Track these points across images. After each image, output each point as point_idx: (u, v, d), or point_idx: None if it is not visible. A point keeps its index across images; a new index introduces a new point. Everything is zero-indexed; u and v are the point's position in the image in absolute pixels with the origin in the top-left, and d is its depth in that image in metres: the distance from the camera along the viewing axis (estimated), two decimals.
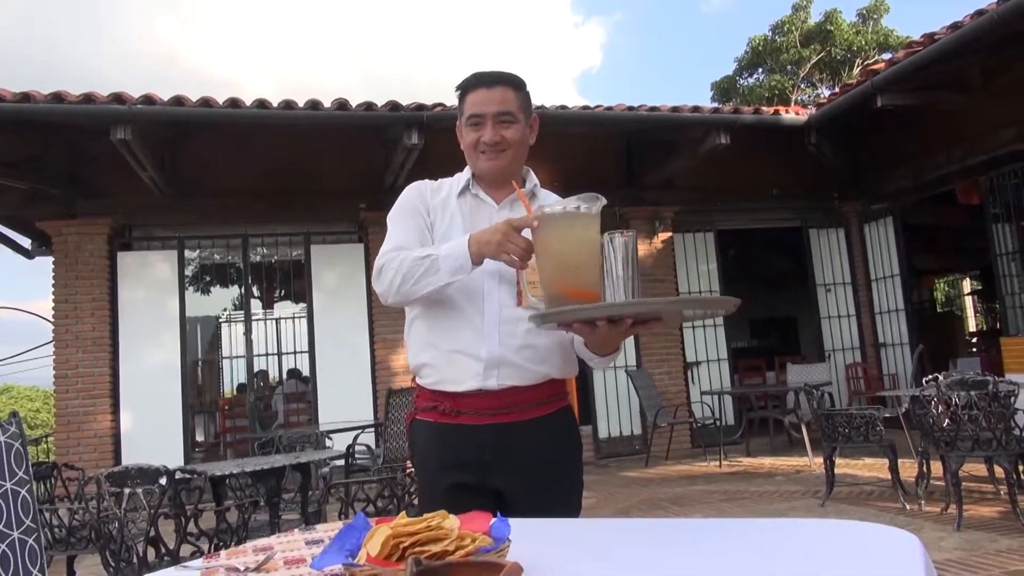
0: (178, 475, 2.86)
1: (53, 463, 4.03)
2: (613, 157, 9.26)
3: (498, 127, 1.73)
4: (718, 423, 8.09)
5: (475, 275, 1.65)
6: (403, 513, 1.09)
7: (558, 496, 1.75)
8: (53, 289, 7.54)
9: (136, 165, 6.90)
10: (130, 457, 7.53)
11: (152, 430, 7.68)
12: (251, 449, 5.02)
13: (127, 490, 2.83)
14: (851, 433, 5.21)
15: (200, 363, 13.23)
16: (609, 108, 7.91)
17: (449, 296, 1.69)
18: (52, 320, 7.55)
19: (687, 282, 9.37)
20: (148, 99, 6.42)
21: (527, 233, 1.50)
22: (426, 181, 1.87)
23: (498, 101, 1.74)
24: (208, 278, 13.85)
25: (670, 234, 9.19)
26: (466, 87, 1.79)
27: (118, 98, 6.34)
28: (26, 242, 9.26)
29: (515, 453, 1.70)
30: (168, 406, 7.76)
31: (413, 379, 1.85)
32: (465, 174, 1.84)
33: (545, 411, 1.75)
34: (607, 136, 8.92)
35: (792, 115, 8.47)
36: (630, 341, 8.94)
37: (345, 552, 1.01)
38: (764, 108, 8.74)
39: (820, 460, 5.56)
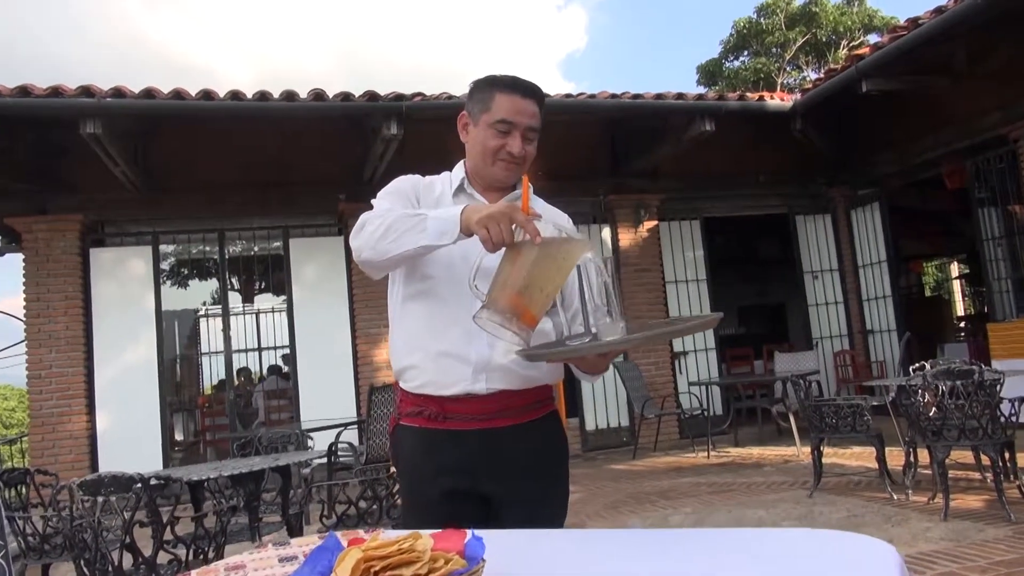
0: (153, 481, 2.82)
1: (26, 469, 4.00)
2: (597, 145, 9.24)
3: (524, 141, 1.72)
4: (706, 414, 8.14)
5: (465, 275, 1.59)
6: (377, 533, 1.09)
7: (546, 502, 1.77)
8: (24, 287, 7.46)
9: (107, 160, 6.82)
10: (107, 458, 7.50)
11: (129, 430, 7.63)
12: (231, 449, 5.00)
13: (100, 498, 2.80)
14: (838, 423, 5.25)
15: (179, 360, 13.14)
16: (592, 95, 7.90)
17: (438, 295, 1.68)
18: (24, 319, 7.47)
19: (673, 270, 9.41)
20: (118, 92, 6.34)
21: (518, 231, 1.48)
22: (418, 176, 1.84)
23: (531, 115, 1.73)
24: (185, 272, 13.75)
25: (655, 222, 9.20)
26: (499, 87, 1.74)
27: (87, 91, 6.26)
28: None
29: (504, 459, 1.70)
30: (145, 405, 7.72)
31: (396, 383, 1.83)
32: (458, 173, 1.82)
33: (533, 416, 1.75)
34: (590, 124, 8.89)
35: (777, 101, 8.49)
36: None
37: (316, 575, 1.01)
38: (749, 94, 8.76)
39: (808, 450, 5.61)
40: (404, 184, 1.83)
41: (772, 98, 8.57)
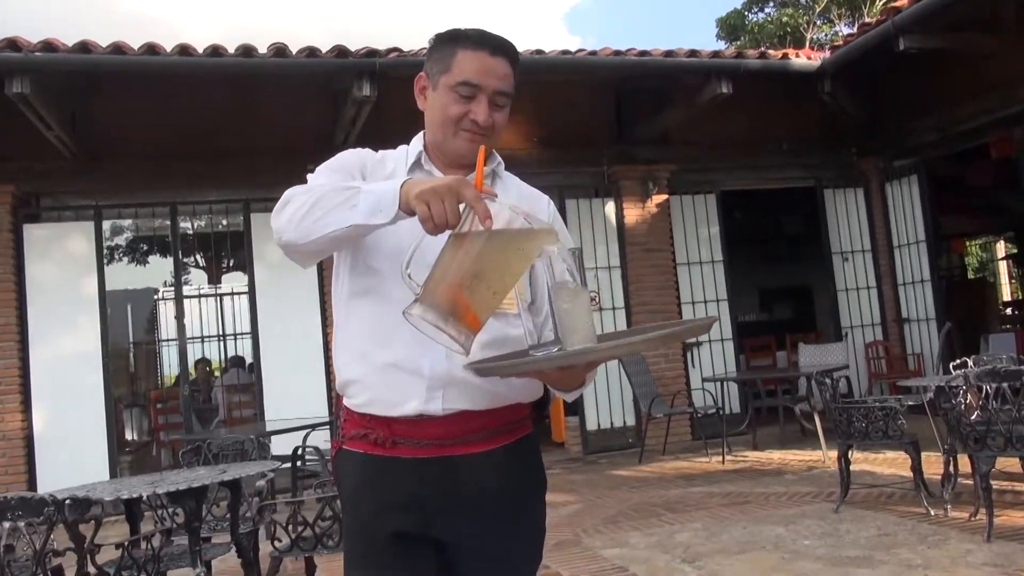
0: (69, 503, 2.68)
1: None
2: (600, 109, 9.10)
3: (492, 108, 1.61)
4: (721, 413, 8.03)
5: (422, 271, 1.45)
6: None
7: (515, 545, 1.66)
8: None
9: (39, 123, 6.64)
10: (46, 462, 7.39)
11: (71, 430, 7.48)
12: (179, 455, 4.86)
13: (7, 524, 2.65)
14: (869, 429, 5.12)
15: (132, 348, 13.01)
16: (593, 53, 7.73)
17: (384, 294, 1.54)
18: None
19: (685, 250, 9.28)
20: (48, 45, 6.14)
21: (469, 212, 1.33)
22: (367, 150, 1.73)
23: (501, 76, 1.61)
24: (145, 248, 13.56)
25: (665, 196, 9.08)
26: (462, 42, 1.62)
27: (12, 44, 6.06)
28: None
29: (464, 495, 1.58)
30: (89, 401, 7.56)
31: (339, 399, 1.71)
32: (416, 146, 1.71)
33: (502, 441, 1.63)
34: (592, 85, 8.75)
35: (803, 59, 8.30)
36: (620, 317, 8.88)
37: None
38: (771, 52, 8.56)
39: (835, 454, 5.49)
40: (349, 158, 1.70)
41: (797, 56, 8.39)
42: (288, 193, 1.52)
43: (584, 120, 8.94)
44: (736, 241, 10.12)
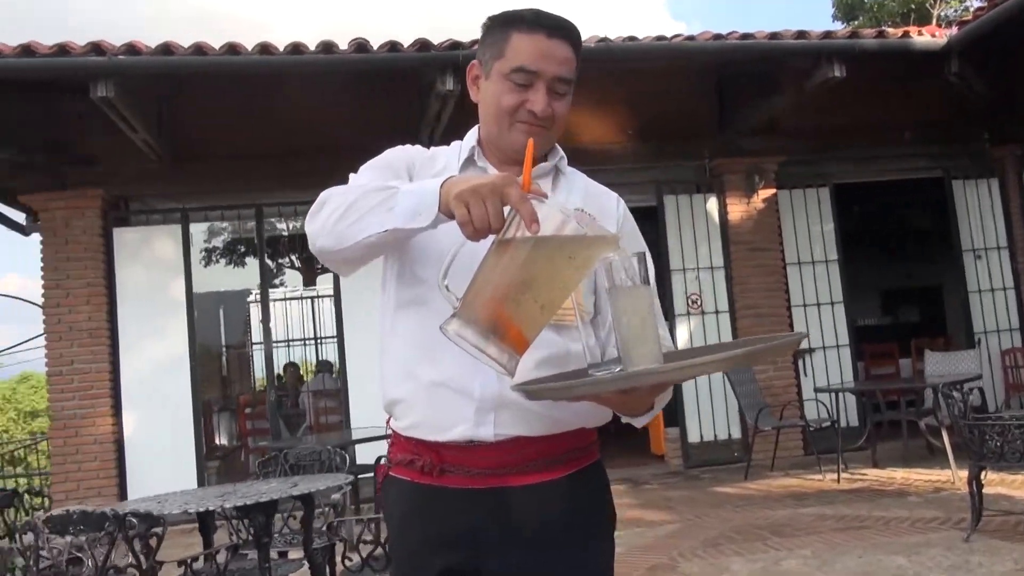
0: (131, 519, 2.69)
1: (13, 490, 3.99)
2: (700, 98, 8.86)
3: (551, 96, 1.52)
4: (836, 426, 7.70)
5: (463, 282, 1.37)
6: None
7: None
8: (42, 273, 7.64)
9: (125, 127, 6.86)
10: (136, 466, 7.66)
11: (160, 433, 7.74)
12: (254, 465, 4.90)
13: (69, 538, 2.68)
14: (1004, 447, 4.75)
15: (225, 352, 13.39)
16: (691, 37, 7.51)
17: (433, 306, 1.44)
18: (43, 309, 7.64)
19: (796, 249, 8.96)
20: (131, 48, 6.33)
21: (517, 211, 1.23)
22: (417, 147, 1.67)
23: (561, 60, 1.52)
24: (242, 249, 13.95)
25: (773, 191, 8.81)
26: (517, 24, 1.53)
27: (96, 48, 6.27)
28: (21, 217, 9.41)
29: (519, 529, 1.49)
30: (177, 405, 7.80)
31: (388, 420, 1.64)
32: (468, 141, 1.64)
33: (563, 471, 1.53)
34: (692, 72, 8.50)
35: (927, 37, 7.83)
36: (724, 322, 8.64)
37: None
38: (889, 30, 8.13)
39: (966, 475, 5.13)
40: (396, 155, 1.64)
41: (920, 34, 7.91)
42: (324, 194, 1.45)
43: (683, 110, 8.71)
44: (853, 238, 9.87)
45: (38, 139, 7.64)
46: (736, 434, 8.57)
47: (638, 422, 1.51)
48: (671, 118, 8.56)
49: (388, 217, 1.32)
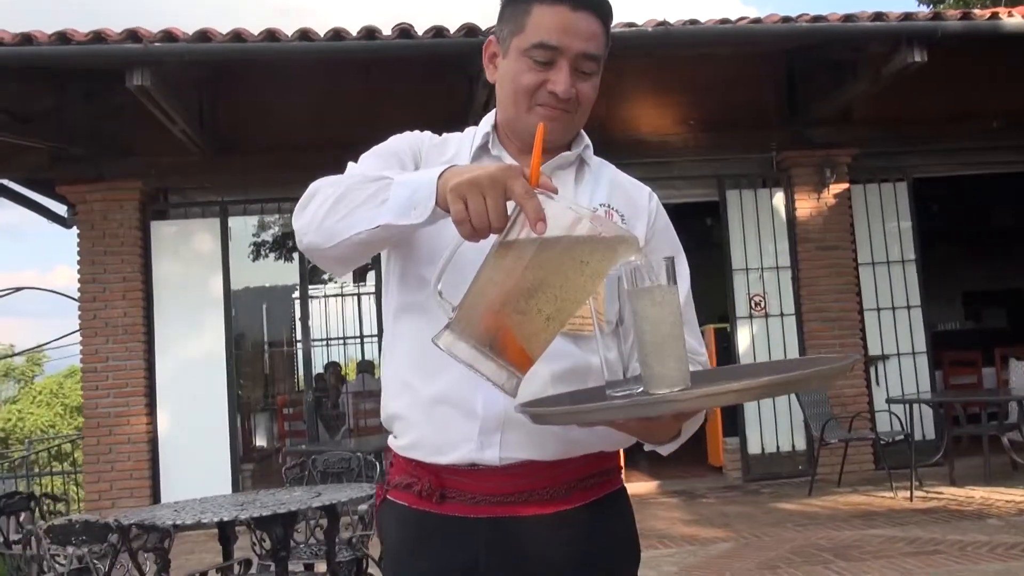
0: (135, 530, 2.64)
1: (30, 493, 3.99)
2: (768, 86, 8.71)
3: (576, 76, 1.41)
4: (910, 440, 7.49)
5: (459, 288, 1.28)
6: None
7: None
8: (78, 266, 7.75)
9: (163, 116, 6.90)
10: (170, 467, 7.74)
11: (195, 434, 7.79)
12: (282, 472, 4.86)
13: (71, 549, 2.64)
14: None
15: (268, 349, 13.50)
16: (757, 20, 7.34)
17: (436, 312, 1.31)
18: (78, 303, 7.75)
19: (870, 248, 8.74)
20: (168, 35, 6.36)
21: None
22: (427, 133, 1.58)
23: (586, 36, 1.41)
24: (291, 243, 14.05)
25: (846, 185, 8.61)
26: None
27: (133, 35, 6.31)
28: (62, 208, 9.58)
29: (528, 564, 1.39)
30: (213, 405, 7.85)
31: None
32: (483, 127, 1.54)
33: (580, 500, 1.42)
34: (759, 58, 8.33)
35: (1018, 19, 7.49)
36: (790, 326, 8.48)
37: None
38: (976, 11, 7.81)
39: None
40: (402, 142, 1.55)
41: (1011, 15, 7.57)
42: (314, 185, 1.37)
43: (749, 99, 8.56)
44: (933, 237, 9.65)
45: (76, 129, 7.75)
46: (800, 446, 8.37)
47: (663, 450, 1.40)
48: (736, 107, 8.44)
49: (379, 212, 1.23)
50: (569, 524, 1.39)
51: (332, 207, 1.28)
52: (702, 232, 11.47)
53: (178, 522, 3.17)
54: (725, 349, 8.77)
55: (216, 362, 7.93)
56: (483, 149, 1.51)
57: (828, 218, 8.51)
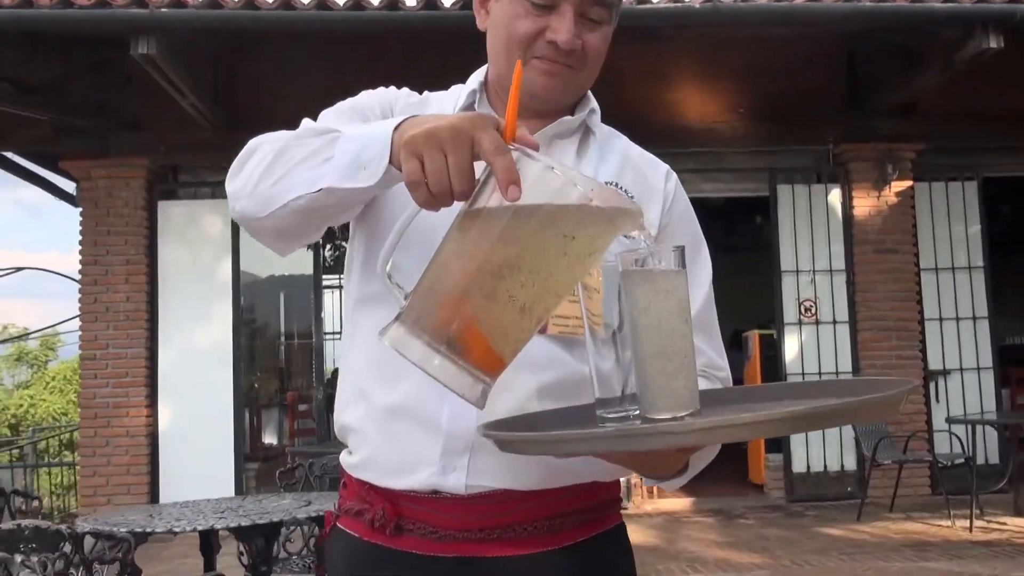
0: (89, 539, 2.49)
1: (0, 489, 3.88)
2: (826, 72, 8.52)
3: (582, 23, 1.26)
4: (971, 464, 7.25)
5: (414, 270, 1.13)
6: None
7: None
8: (80, 247, 7.72)
9: (171, 88, 6.82)
10: (170, 463, 7.71)
11: (198, 429, 7.74)
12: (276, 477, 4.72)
13: (18, 557, 2.50)
14: None
15: (284, 341, 13.42)
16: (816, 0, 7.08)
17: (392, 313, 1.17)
18: (79, 284, 7.72)
19: (934, 252, 8.59)
20: (177, 1, 6.25)
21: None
22: (403, 90, 1.44)
23: None
24: None
25: (909, 183, 8.46)
26: None
27: (139, 0, 6.21)
28: (71, 186, 9.57)
29: None
30: (217, 399, 7.80)
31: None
32: (471, 84, 1.40)
33: (567, 540, 1.27)
34: (816, 42, 8.10)
35: None
36: (843, 335, 8.34)
37: None
38: None
39: None
40: (368, 99, 1.41)
41: None
42: (253, 141, 1.23)
43: (805, 86, 8.34)
44: (1003, 242, 9.41)
45: (82, 101, 7.70)
46: (850, 466, 8.21)
47: (667, 486, 1.23)
48: (790, 95, 8.23)
49: (322, 172, 1.09)
50: (552, 569, 1.23)
51: (269, 167, 1.15)
52: (750, 230, 11.31)
53: (148, 529, 3.06)
54: (771, 358, 8.69)
55: (223, 353, 7.87)
56: (468, 110, 1.35)
57: (888, 218, 8.36)
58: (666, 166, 1.41)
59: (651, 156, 1.43)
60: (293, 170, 1.12)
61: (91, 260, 7.68)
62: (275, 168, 1.14)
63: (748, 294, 11.17)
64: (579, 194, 0.91)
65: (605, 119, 1.41)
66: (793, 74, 8.20)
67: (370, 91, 1.41)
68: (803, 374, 8.24)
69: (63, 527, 2.56)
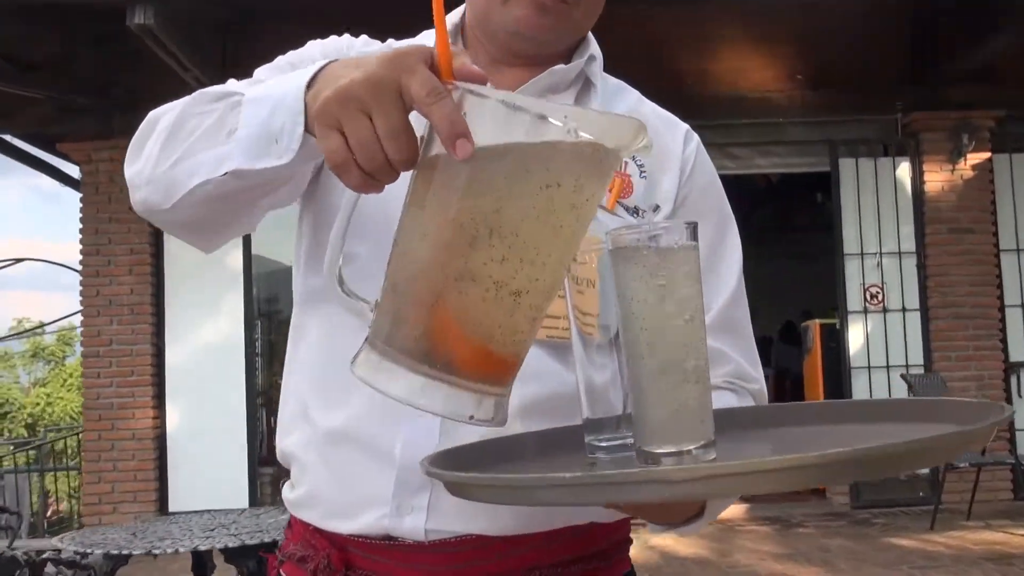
0: (49, 567, 2.38)
1: None
2: (893, 35, 8.39)
3: None
4: None
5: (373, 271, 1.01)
6: None
7: None
8: (81, 236, 7.76)
9: (173, 62, 6.78)
10: (179, 468, 7.75)
11: (208, 430, 7.81)
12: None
13: None
14: None
15: None
16: None
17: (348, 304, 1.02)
18: (80, 275, 7.73)
19: (1015, 232, 8.59)
20: None
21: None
22: (363, 37, 1.28)
23: None
24: None
25: (987, 155, 8.43)
26: None
27: None
28: (74, 170, 9.60)
29: None
30: (229, 398, 7.84)
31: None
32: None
33: None
34: (882, 2, 7.96)
35: None
36: (913, 323, 8.33)
37: None
38: None
39: None
40: (312, 50, 1.27)
41: None
42: (153, 114, 1.10)
43: (870, 49, 8.22)
44: None
45: (84, 79, 7.71)
46: (922, 469, 7.92)
47: (680, 532, 1.05)
48: (853, 59, 8.16)
49: (228, 148, 0.95)
50: None
51: (165, 144, 1.01)
52: (809, 209, 11.23)
53: (126, 551, 2.93)
54: (833, 349, 8.66)
55: (235, 349, 7.90)
56: None
57: (964, 194, 8.30)
58: (686, 126, 1.25)
59: (668, 114, 1.27)
60: (192, 147, 0.98)
61: (92, 250, 7.72)
62: (172, 146, 1.00)
63: (808, 280, 11.02)
64: (555, 130, 0.74)
65: (648, 88, 1.25)
66: (856, 35, 8.06)
67: (319, 40, 1.26)
68: (869, 368, 8.18)
69: (19, 553, 2.44)
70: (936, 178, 8.26)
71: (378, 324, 0.82)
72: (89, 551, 2.84)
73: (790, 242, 12.60)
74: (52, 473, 11.37)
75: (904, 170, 8.40)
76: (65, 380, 29.85)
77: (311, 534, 1.15)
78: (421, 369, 0.78)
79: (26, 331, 27.61)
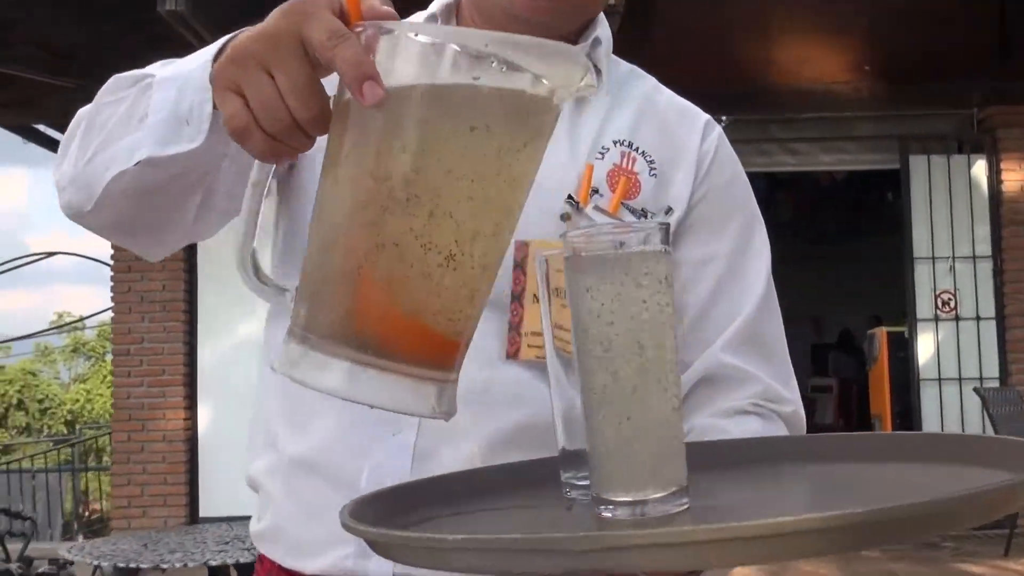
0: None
1: None
2: (971, 21, 8.11)
3: None
4: None
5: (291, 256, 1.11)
6: None
7: None
8: None
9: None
10: (210, 471, 7.83)
11: (242, 434, 7.51)
12: None
13: None
14: None
15: None
16: None
17: None
18: (112, 269, 7.81)
19: None
20: None
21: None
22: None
23: None
24: None
25: None
26: None
27: None
28: None
29: None
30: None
31: None
32: (433, 8, 1.22)
33: None
34: None
35: None
36: (988, 332, 8.21)
37: None
38: None
39: None
40: None
41: None
42: (81, 112, 1.05)
43: (944, 39, 7.97)
44: None
45: (115, 67, 7.70)
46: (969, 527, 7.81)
47: None
48: (926, 50, 7.91)
49: (140, 136, 0.91)
50: None
51: (82, 140, 0.99)
52: (878, 209, 11.15)
53: (134, 564, 2.92)
54: (901, 359, 8.59)
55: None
56: None
57: None
58: (706, 116, 1.18)
59: (686, 103, 1.19)
60: (107, 139, 0.95)
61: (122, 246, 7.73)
62: (87, 140, 0.98)
63: (875, 285, 10.84)
64: (494, 77, 0.68)
65: (704, 80, 1.15)
66: (930, 27, 7.85)
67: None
68: (939, 380, 8.08)
69: (14, 566, 2.42)
70: (1014, 177, 8.15)
71: (297, 310, 0.75)
72: (97, 562, 2.82)
73: (855, 245, 12.45)
74: (88, 472, 11.53)
75: (980, 168, 8.29)
76: (105, 377, 30.31)
77: (277, 572, 1.10)
78: (347, 354, 0.71)
79: (65, 325, 28.09)
